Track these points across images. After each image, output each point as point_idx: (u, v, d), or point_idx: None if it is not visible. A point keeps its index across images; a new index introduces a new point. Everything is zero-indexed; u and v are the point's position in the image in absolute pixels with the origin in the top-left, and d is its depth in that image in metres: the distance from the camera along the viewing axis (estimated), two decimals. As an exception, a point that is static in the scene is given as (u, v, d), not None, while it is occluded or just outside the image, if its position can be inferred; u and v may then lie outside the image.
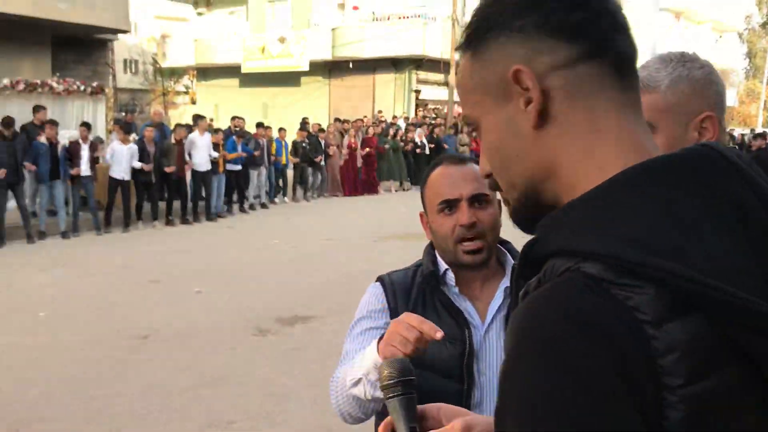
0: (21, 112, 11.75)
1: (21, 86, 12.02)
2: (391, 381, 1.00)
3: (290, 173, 15.63)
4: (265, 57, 25.03)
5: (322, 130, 16.28)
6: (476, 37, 0.75)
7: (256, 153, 13.72)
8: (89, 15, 14.79)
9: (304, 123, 16.98)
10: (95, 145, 11.05)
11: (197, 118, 12.78)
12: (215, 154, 12.52)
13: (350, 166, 16.60)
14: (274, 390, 4.75)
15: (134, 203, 11.62)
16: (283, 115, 24.10)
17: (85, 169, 10.76)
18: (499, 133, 0.75)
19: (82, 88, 12.92)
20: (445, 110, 21.76)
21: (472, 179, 1.55)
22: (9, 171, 9.75)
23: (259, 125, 14.43)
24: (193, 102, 31.59)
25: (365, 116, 20.70)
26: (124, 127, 11.61)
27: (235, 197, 13.78)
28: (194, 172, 12.41)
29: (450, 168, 1.59)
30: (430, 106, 23.37)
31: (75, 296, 7.31)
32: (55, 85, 12.50)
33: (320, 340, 5.73)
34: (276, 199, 15.16)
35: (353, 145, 16.56)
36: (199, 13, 29.46)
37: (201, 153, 12.24)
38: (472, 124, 0.79)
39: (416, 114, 22.05)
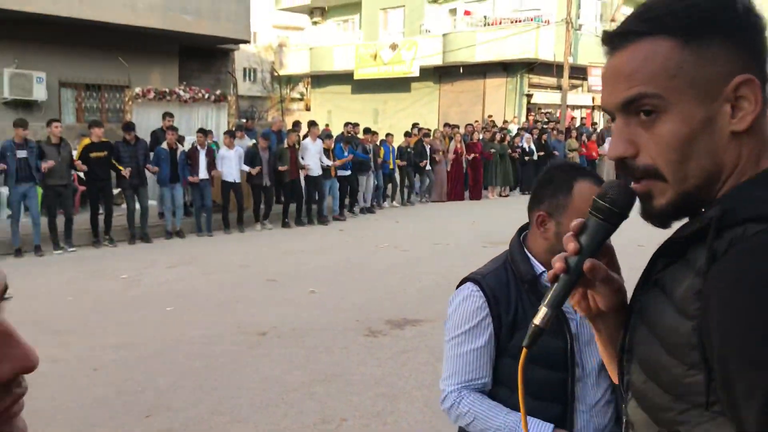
0: (150, 119, 12.59)
1: (151, 95, 12.86)
2: (608, 206, 0.93)
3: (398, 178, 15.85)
4: (377, 64, 25.45)
5: (427, 135, 16.38)
6: (698, 28, 0.79)
7: (366, 157, 14.00)
8: (214, 26, 15.61)
9: (414, 128, 17.16)
10: (212, 151, 11.63)
11: (311, 124, 13.20)
12: (327, 162, 12.85)
13: (456, 171, 16.59)
14: (385, 390, 4.85)
15: (251, 205, 12.14)
16: (394, 120, 24.42)
17: (202, 173, 11.38)
18: (692, 127, 0.79)
19: (207, 96, 13.65)
20: (558, 114, 21.31)
21: None
22: (132, 172, 10.47)
23: (367, 131, 14.70)
24: (308, 108, 32.55)
25: (476, 121, 20.62)
26: (230, 132, 12.12)
27: (345, 201, 14.12)
28: (307, 177, 12.81)
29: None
30: (543, 110, 22.96)
31: (198, 293, 7.74)
32: (182, 93, 13.28)
33: (430, 344, 5.78)
34: (384, 203, 15.39)
35: (459, 150, 16.53)
36: (314, 23, 30.34)
37: (313, 158, 12.61)
38: (657, 107, 0.81)
39: (527, 118, 21.71)
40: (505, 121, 20.68)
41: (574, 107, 23.42)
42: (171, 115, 12.25)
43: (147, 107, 12.82)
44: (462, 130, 17.50)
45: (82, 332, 6.27)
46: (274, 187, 12.31)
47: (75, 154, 10.23)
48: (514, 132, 18.74)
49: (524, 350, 0.94)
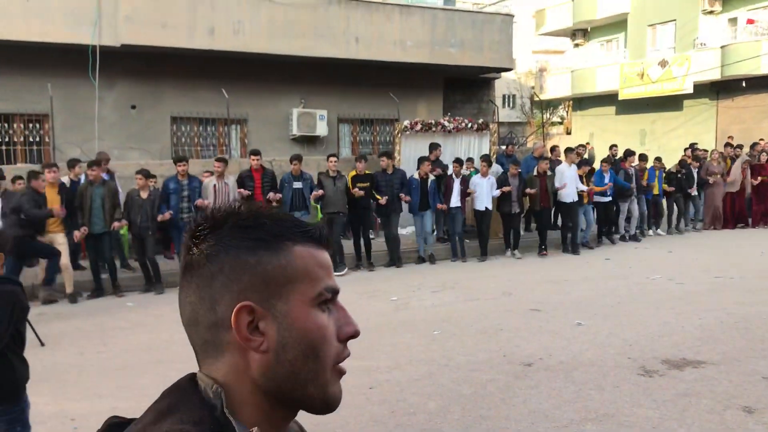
0: (417, 149, 13.23)
1: (418, 126, 13.51)
2: None
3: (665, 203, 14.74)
4: (644, 82, 24.09)
5: (696, 158, 15.00)
6: None
7: (627, 185, 13.24)
8: (477, 57, 16.03)
9: (692, 149, 15.94)
10: (466, 180, 11.87)
11: (567, 150, 12.89)
12: (583, 187, 12.41)
13: (737, 196, 14.96)
14: (665, 437, 4.48)
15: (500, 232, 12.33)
16: (663, 141, 22.88)
17: (455, 201, 11.70)
18: None
19: (470, 125, 13.99)
20: None
21: None
22: (388, 200, 11.24)
23: (628, 153, 13.91)
24: (568, 132, 31.86)
25: (761, 139, 18.49)
26: (485, 158, 12.23)
27: (604, 228, 13.51)
28: (559, 203, 12.48)
29: None
30: None
31: (462, 318, 7.88)
32: (446, 123, 13.77)
33: (716, 389, 5.24)
34: (650, 231, 14.40)
35: (743, 174, 14.90)
36: (576, 45, 29.69)
37: (571, 183, 12.24)
38: None
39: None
40: (799, 139, 18.24)
41: None
42: (438, 145, 12.82)
43: (414, 138, 13.50)
44: (746, 150, 15.80)
45: (358, 350, 6.71)
46: (521, 214, 12.23)
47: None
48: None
49: None
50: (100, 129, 13.21)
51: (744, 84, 21.23)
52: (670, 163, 15.35)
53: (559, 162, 13.12)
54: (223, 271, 0.83)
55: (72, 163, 10.69)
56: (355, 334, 0.89)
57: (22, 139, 13.38)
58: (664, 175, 14.42)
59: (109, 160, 11.16)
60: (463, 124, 13.94)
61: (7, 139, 13.27)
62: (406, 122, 13.59)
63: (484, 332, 7.23)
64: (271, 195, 10.71)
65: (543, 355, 6.31)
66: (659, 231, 14.58)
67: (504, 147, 15.30)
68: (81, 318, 8.46)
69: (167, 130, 14.49)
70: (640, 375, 5.69)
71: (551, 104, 34.78)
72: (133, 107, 14.12)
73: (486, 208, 11.89)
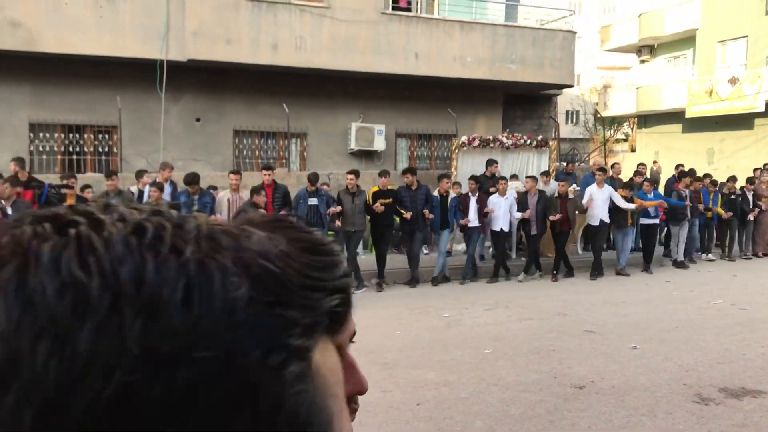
0: (475, 165, 13.20)
1: (476, 142, 13.47)
2: None
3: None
4: (713, 100, 23.40)
5: (750, 181, 14.36)
6: None
7: (681, 204, 12.72)
8: (538, 74, 15.91)
9: (758, 170, 15.37)
10: (483, 198, 11.48)
11: (600, 170, 12.44)
12: (627, 206, 11.86)
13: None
14: (718, 468, 4.33)
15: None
16: (732, 160, 22.15)
17: (473, 219, 11.34)
18: None
19: (529, 141, 13.87)
20: None
21: None
22: (412, 216, 10.93)
23: (684, 174, 13.33)
24: (633, 150, 31.18)
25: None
26: (479, 181, 11.96)
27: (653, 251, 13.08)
28: (588, 226, 12.20)
29: None
30: None
31: (515, 337, 7.79)
32: (504, 140, 13.68)
33: (776, 421, 5.04)
34: (707, 255, 13.81)
35: None
36: (642, 61, 29.09)
37: (598, 207, 11.75)
38: None
39: None
40: None
41: None
42: (495, 162, 12.72)
43: (471, 154, 13.47)
44: None
45: (407, 365, 6.72)
46: (540, 236, 11.72)
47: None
48: None
49: None
50: (166, 141, 13.65)
51: (819, 102, 20.39)
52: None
53: (619, 180, 12.84)
54: None
55: (140, 174, 11.09)
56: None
57: (92, 149, 13.95)
58: (720, 198, 13.76)
59: (173, 169, 11.50)
60: (522, 141, 13.83)
61: (78, 149, 13.85)
62: (464, 138, 13.58)
63: (536, 352, 7.13)
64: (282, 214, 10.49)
65: (595, 378, 6.19)
66: (710, 256, 13.89)
67: (564, 164, 15.10)
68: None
69: (230, 142, 14.87)
70: (695, 402, 5.52)
71: (615, 121, 34.11)
72: (198, 120, 14.56)
73: (501, 229, 11.50)
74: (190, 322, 0.35)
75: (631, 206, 11.95)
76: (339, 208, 10.77)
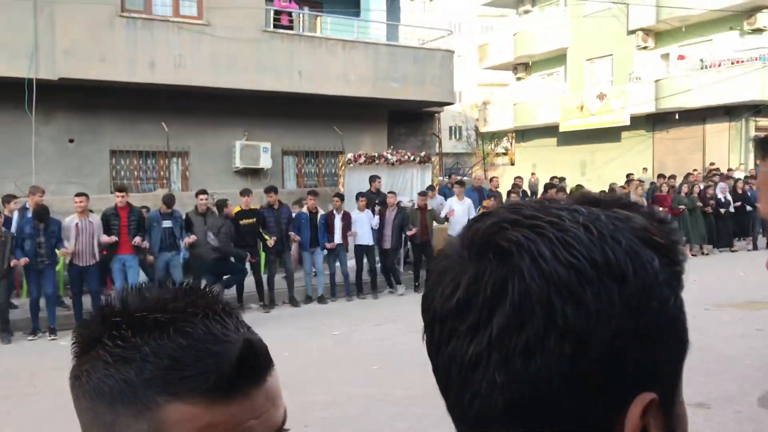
0: (361, 182, 13.34)
1: (362, 159, 13.63)
2: None
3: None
4: (583, 115, 24.85)
5: (612, 189, 15.11)
6: None
7: None
8: (419, 92, 16.31)
9: (628, 180, 16.42)
10: (348, 215, 11.50)
11: (459, 183, 12.91)
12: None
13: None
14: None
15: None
16: (603, 171, 23.54)
17: (338, 237, 11.30)
18: None
19: (412, 158, 14.18)
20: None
21: None
22: (276, 240, 10.66)
23: (550, 186, 14.08)
24: (512, 163, 32.53)
25: (694, 169, 19.25)
26: (363, 195, 12.14)
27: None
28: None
29: None
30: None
31: (403, 351, 7.88)
32: (389, 156, 13.93)
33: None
34: None
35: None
36: (519, 78, 30.49)
37: (459, 217, 11.96)
38: None
39: (756, 164, 19.81)
40: (729, 169, 19.04)
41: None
42: (378, 177, 12.90)
43: (358, 171, 13.61)
44: (679, 180, 16.35)
45: (296, 387, 6.65)
46: (395, 250, 11.84)
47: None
48: (742, 179, 17.12)
49: None
50: (37, 163, 12.91)
51: (677, 116, 22.08)
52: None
53: (498, 194, 13.34)
54: (81, 419, 0.65)
55: (7, 199, 10.44)
56: None
57: (-46, 173, 12.99)
58: None
59: (44, 193, 10.85)
60: (406, 157, 14.12)
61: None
62: (350, 155, 13.70)
63: (425, 365, 6.99)
64: (137, 240, 9.69)
65: (479, 387, 6.35)
66: None
67: (447, 178, 15.52)
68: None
69: (106, 163, 14.27)
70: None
71: (495, 135, 35.48)
72: (71, 141, 13.88)
73: (364, 243, 11.56)
74: (641, 286, 0.53)
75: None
76: (194, 238, 10.18)
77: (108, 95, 13.63)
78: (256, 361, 0.65)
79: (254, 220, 10.71)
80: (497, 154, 38.10)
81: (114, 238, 9.59)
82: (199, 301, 0.66)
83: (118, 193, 10.07)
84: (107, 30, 12.93)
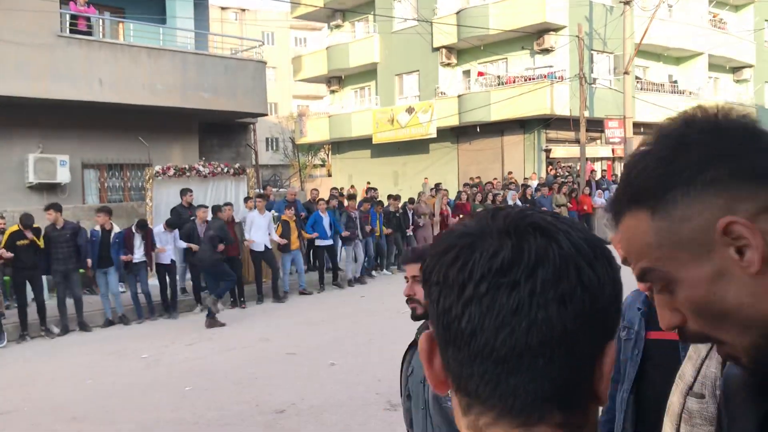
0: (170, 195, 12.79)
1: (171, 172, 13.05)
2: None
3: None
4: (394, 127, 25.75)
5: (411, 201, 15.79)
6: (655, 194, 0.75)
7: (345, 233, 13.23)
8: (231, 102, 15.99)
9: (434, 188, 17.16)
10: (149, 232, 10.82)
11: (258, 195, 12.72)
12: (278, 239, 12.14)
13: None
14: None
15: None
16: (414, 181, 24.52)
17: (138, 255, 10.58)
18: (707, 287, 0.74)
19: (226, 170, 13.82)
20: (578, 167, 21.25)
21: None
22: (65, 259, 9.93)
23: (351, 197, 14.37)
24: (329, 174, 32.92)
25: (494, 178, 20.63)
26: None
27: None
28: (252, 252, 12.09)
29: None
30: (563, 164, 22.94)
31: (217, 370, 7.64)
32: (201, 168, 13.47)
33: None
34: (381, 272, 14.72)
35: (444, 212, 15.96)
36: (332, 91, 30.96)
37: (260, 231, 11.88)
38: (662, 279, 0.78)
39: (548, 172, 21.69)
40: (525, 178, 20.65)
41: (593, 159, 23.35)
42: (190, 191, 12.43)
43: (167, 184, 13.01)
44: (439, 193, 17.11)
45: (101, 417, 6.19)
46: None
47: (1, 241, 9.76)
48: (534, 187, 18.63)
49: None
50: None
51: (478, 129, 23.58)
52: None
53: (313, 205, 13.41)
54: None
55: None
56: None
57: None
58: (383, 217, 14.64)
59: None
60: (219, 169, 13.74)
61: None
62: (158, 167, 13.07)
63: (239, 383, 7.07)
64: None
65: (296, 400, 6.31)
66: (385, 272, 14.79)
67: (262, 190, 15.31)
68: None
69: None
70: (387, 410, 5.91)
71: (313, 147, 35.72)
72: None
73: (172, 260, 11.06)
74: (616, 293, 0.67)
75: (279, 240, 12.12)
76: (10, 255, 9.39)
77: None
78: None
79: (28, 241, 9.66)
80: (315, 166, 38.38)
81: None
82: None
83: None
84: None
